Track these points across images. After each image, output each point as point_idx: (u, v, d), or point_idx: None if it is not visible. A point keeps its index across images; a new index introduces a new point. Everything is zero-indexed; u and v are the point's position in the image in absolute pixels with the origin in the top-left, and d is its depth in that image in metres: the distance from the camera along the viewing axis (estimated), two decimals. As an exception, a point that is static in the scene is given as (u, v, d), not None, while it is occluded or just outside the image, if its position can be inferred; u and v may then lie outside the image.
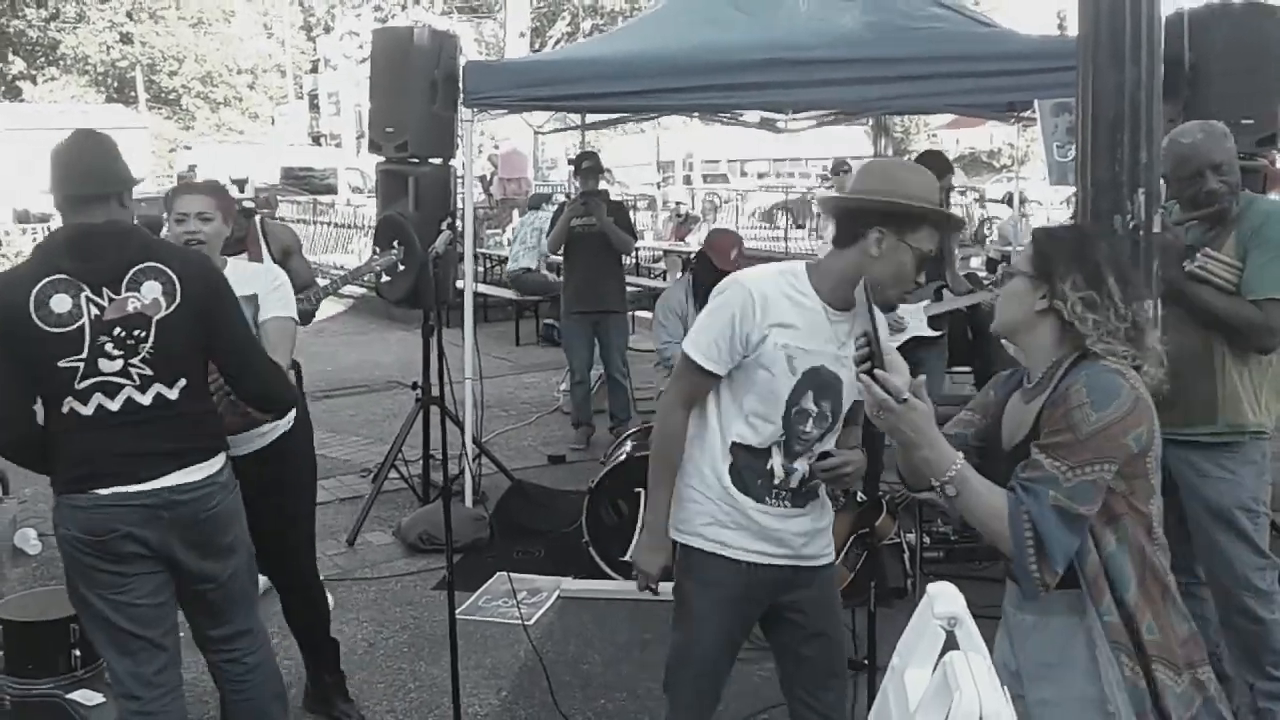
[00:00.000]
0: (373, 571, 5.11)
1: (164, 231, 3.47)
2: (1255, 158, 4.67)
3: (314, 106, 39.91)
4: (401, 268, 4.67)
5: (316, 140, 33.70)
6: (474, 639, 4.35)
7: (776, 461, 2.52)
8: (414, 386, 5.70)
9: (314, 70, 40.44)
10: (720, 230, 6.04)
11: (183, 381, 2.72)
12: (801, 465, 2.54)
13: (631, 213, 9.10)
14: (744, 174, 30.57)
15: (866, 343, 2.05)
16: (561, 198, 10.26)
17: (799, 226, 18.33)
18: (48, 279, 2.62)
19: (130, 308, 2.65)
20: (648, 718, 3.74)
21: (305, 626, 3.73)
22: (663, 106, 5.88)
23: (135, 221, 2.87)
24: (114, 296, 2.64)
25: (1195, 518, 3.29)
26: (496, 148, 17.05)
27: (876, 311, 2.22)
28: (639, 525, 4.83)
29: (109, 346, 2.63)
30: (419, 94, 5.25)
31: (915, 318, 5.48)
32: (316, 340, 10.64)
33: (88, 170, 2.75)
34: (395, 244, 4.73)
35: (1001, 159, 28.11)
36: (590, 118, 7.76)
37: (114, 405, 2.65)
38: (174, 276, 2.70)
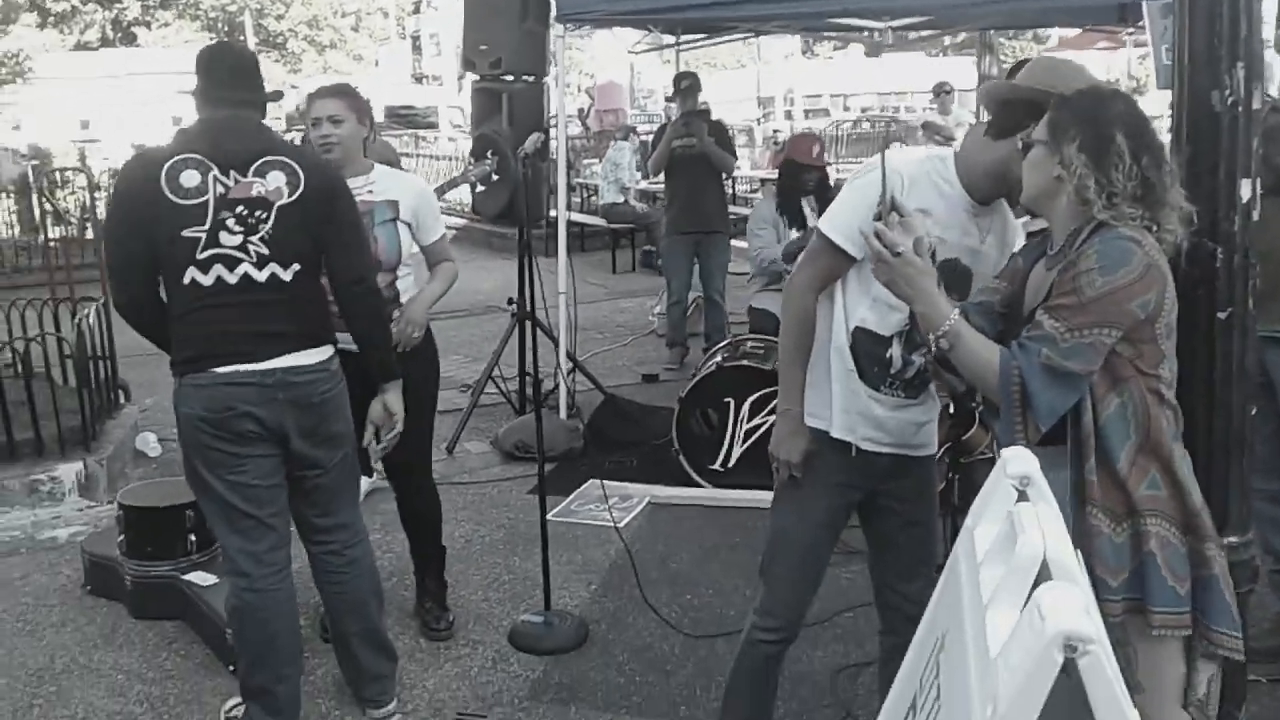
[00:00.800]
0: (470, 477, 5.28)
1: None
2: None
3: (416, 48, 40.23)
4: (495, 177, 4.76)
5: (419, 80, 34.03)
6: (565, 539, 4.49)
7: (895, 351, 2.50)
8: (510, 303, 5.81)
9: (416, 11, 40.73)
10: (800, 134, 5.99)
11: (296, 266, 2.85)
12: (919, 358, 2.50)
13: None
14: (847, 109, 29.95)
15: (882, 198, 2.09)
16: (644, 129, 10.23)
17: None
18: (180, 156, 2.79)
19: (254, 191, 2.80)
20: (733, 612, 3.82)
21: (418, 528, 3.86)
22: (755, 17, 5.76)
23: None
24: (240, 179, 2.80)
25: (1293, 420, 3.20)
26: (593, 79, 17.03)
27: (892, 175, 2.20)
28: (728, 434, 4.92)
29: (230, 222, 2.78)
30: (511, 12, 5.30)
31: (1018, 231, 5.35)
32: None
33: (231, 71, 2.90)
34: (489, 154, 4.81)
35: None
36: (685, 37, 7.71)
37: (232, 279, 2.79)
38: (298, 170, 2.85)
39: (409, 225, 3.51)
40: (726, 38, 8.02)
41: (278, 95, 3.11)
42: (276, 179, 2.83)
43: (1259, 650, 3.30)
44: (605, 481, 4.88)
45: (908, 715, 1.86)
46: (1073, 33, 13.88)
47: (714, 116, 7.15)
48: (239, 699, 3.13)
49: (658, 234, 8.73)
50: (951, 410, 4.27)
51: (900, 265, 2.06)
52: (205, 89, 2.89)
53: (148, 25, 31.69)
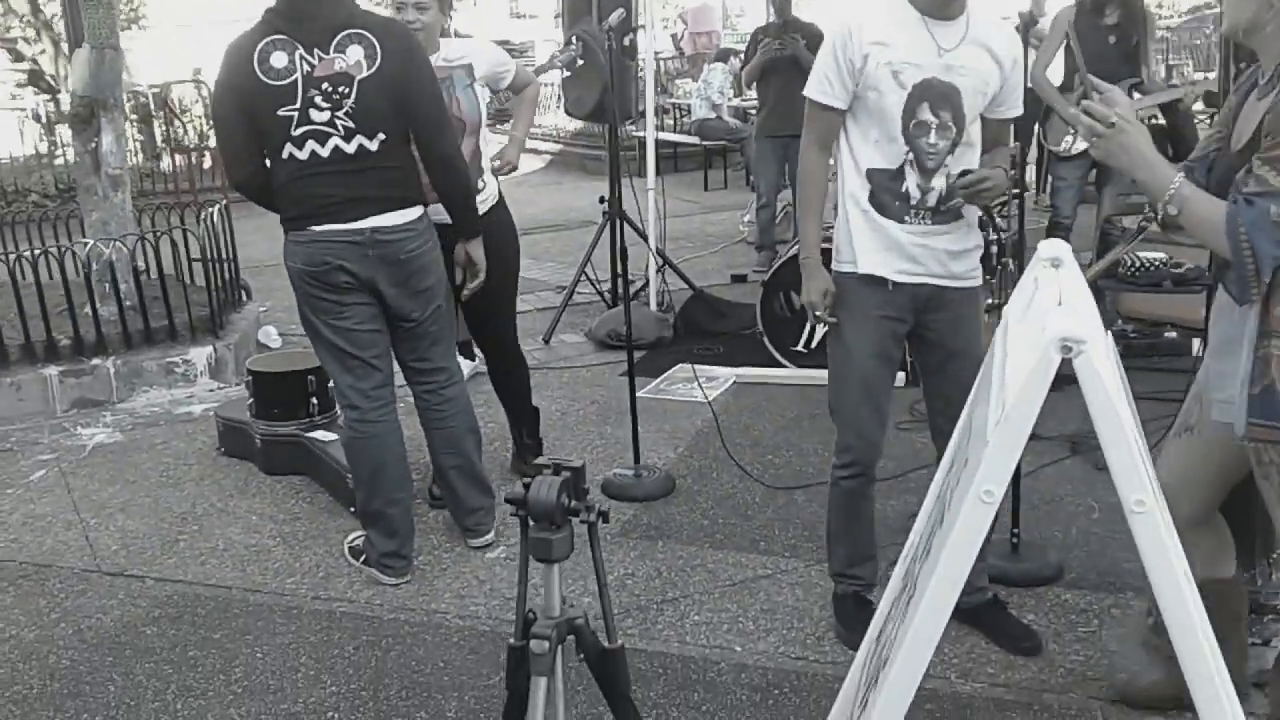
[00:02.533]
0: (566, 363, 5.57)
1: None
2: None
3: (513, -14, 40.33)
4: (581, 62, 4.92)
5: (517, 18, 34.18)
6: (655, 411, 4.75)
7: (911, 181, 2.65)
8: (601, 200, 6.03)
9: (513, -51, 40.76)
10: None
11: (381, 135, 3.06)
12: (939, 182, 2.66)
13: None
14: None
15: (1081, 81, 2.16)
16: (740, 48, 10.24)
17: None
18: (268, 39, 3.00)
19: (337, 66, 3.00)
20: (810, 470, 4.04)
21: (508, 389, 4.14)
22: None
23: None
24: (323, 56, 3.00)
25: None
26: (682, 6, 17.02)
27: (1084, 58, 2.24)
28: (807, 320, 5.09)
29: (318, 99, 3.00)
30: (602, -89, 5.45)
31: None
32: (517, 190, 11.14)
33: None
34: (574, 40, 4.98)
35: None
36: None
37: (324, 151, 3.03)
38: (376, 43, 3.03)
39: (485, 83, 3.79)
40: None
41: None
42: (355, 53, 3.01)
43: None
44: (693, 365, 5.14)
45: (946, 473, 2.07)
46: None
47: (811, 23, 7.20)
48: (360, 532, 3.48)
49: (750, 148, 8.83)
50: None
51: (1114, 135, 2.05)
52: None
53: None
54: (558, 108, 12.78)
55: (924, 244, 2.69)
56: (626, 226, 5.50)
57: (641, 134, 6.66)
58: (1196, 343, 4.91)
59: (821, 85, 2.67)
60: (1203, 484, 2.35)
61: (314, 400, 4.28)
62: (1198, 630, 1.47)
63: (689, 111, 11.63)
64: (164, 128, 11.72)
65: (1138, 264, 4.75)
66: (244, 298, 6.24)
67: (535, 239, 8.60)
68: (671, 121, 12.61)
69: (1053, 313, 1.53)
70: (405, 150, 3.16)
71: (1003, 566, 3.17)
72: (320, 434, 4.19)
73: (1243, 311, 2.09)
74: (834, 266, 2.80)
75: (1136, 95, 5.47)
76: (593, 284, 6.31)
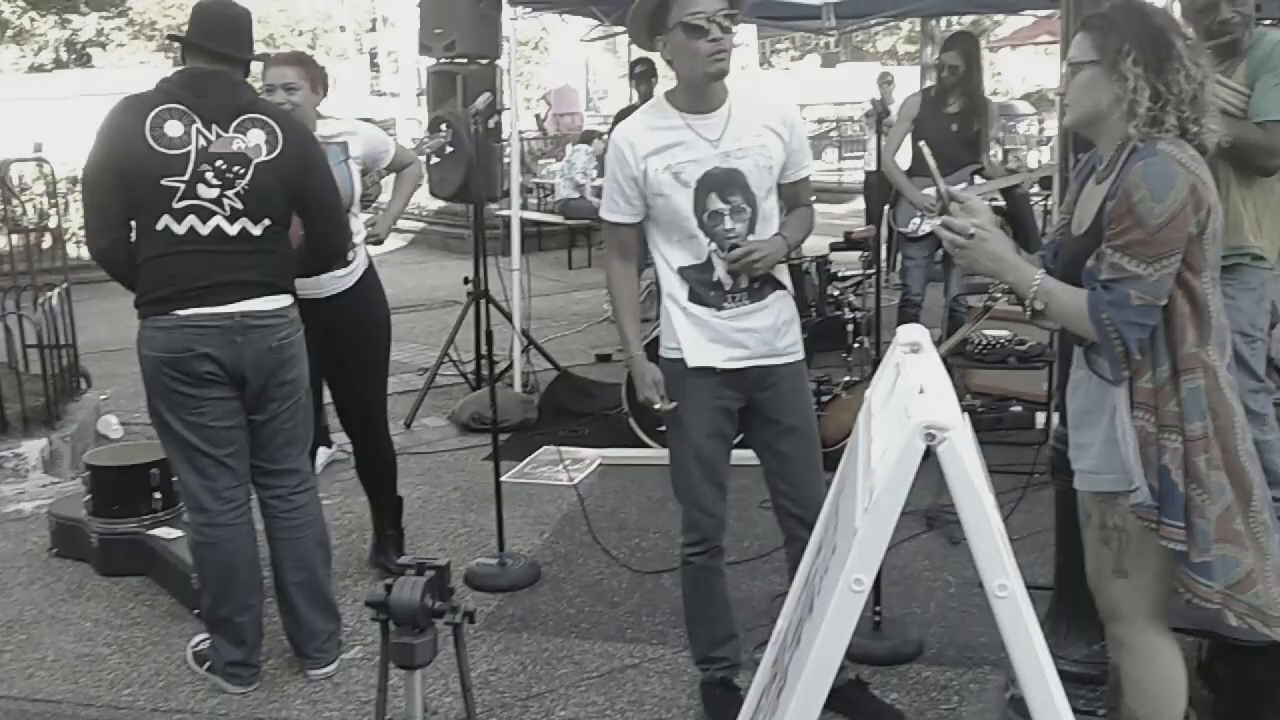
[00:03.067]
0: (428, 448, 5.44)
1: None
2: (1261, 21, 4.72)
3: (374, 65, 40.33)
4: (450, 149, 4.91)
5: (378, 95, 34.08)
6: (520, 497, 4.66)
7: (720, 269, 2.73)
8: (466, 281, 5.97)
9: (373, 29, 40.84)
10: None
11: (267, 222, 2.97)
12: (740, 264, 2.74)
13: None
14: (803, 118, 30.32)
15: (939, 195, 2.25)
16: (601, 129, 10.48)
17: (853, 157, 18.39)
18: (165, 106, 2.89)
19: (235, 146, 2.91)
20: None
21: (374, 477, 3.99)
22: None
23: None
24: (222, 133, 2.91)
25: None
26: (548, 89, 17.29)
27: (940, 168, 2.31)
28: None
29: (209, 175, 2.89)
30: (465, -4, 5.49)
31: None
32: (380, 269, 11.04)
33: (223, 25, 3.00)
34: (443, 127, 4.97)
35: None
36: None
37: (204, 229, 2.90)
38: (278, 131, 2.97)
39: (359, 161, 3.75)
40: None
41: (264, 57, 3.23)
42: (257, 136, 2.94)
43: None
44: (559, 448, 5.08)
45: (814, 557, 2.06)
46: (1024, 23, 14.29)
47: None
48: (205, 635, 3.26)
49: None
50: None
51: (977, 245, 2.15)
52: (195, 39, 2.98)
53: (103, 46, 31.55)
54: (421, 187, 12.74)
55: (744, 327, 2.76)
56: (492, 307, 5.45)
57: (506, 213, 6.65)
58: (1040, 416, 5.13)
59: (610, 205, 2.78)
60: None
61: (157, 495, 4.05)
62: (1060, 711, 1.48)
63: (553, 191, 11.73)
64: (1, 206, 11.11)
65: (984, 342, 4.95)
66: (83, 386, 5.91)
67: (397, 320, 8.33)
68: (535, 201, 12.69)
69: (916, 400, 1.55)
70: (286, 239, 3.08)
71: (865, 645, 3.18)
72: (163, 531, 3.95)
73: (1099, 385, 2.17)
74: (662, 354, 2.84)
75: (979, 180, 5.76)
76: (456, 366, 6.21)
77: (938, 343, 5.19)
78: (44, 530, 4.32)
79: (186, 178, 2.88)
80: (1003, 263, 2.16)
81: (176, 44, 3.10)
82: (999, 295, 4.76)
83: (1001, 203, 7.22)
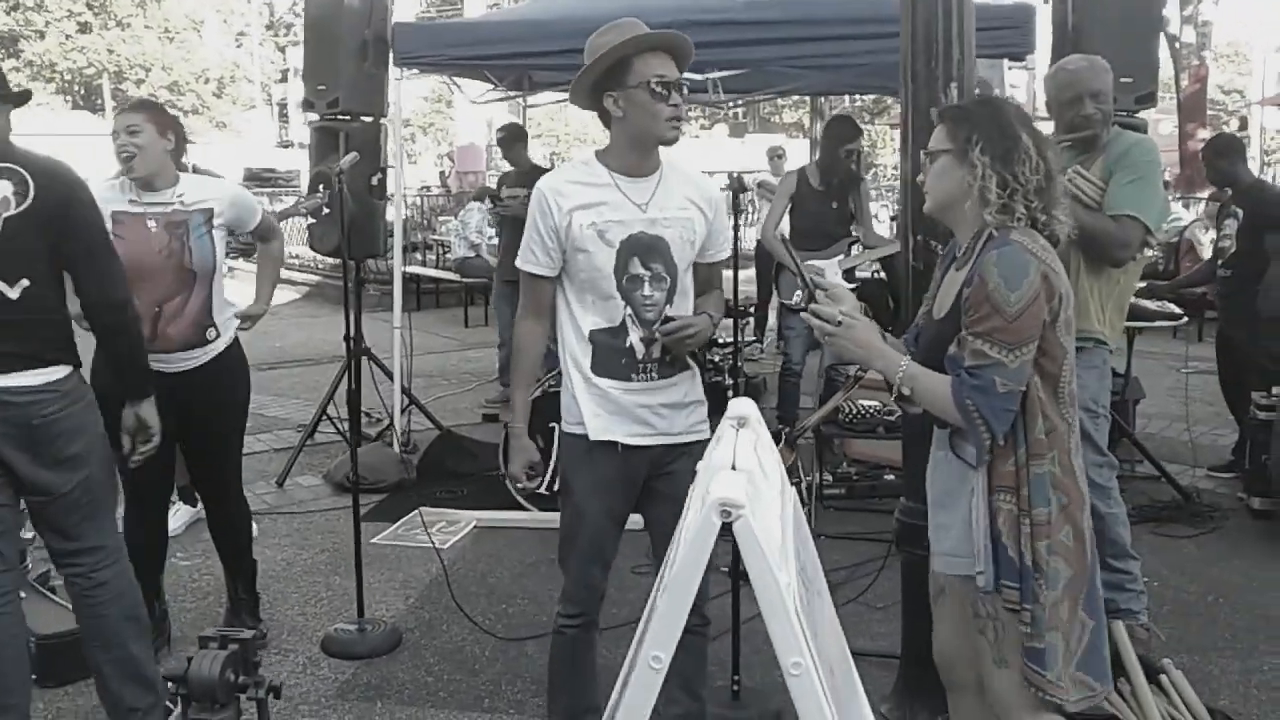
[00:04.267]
0: (299, 507, 5.31)
1: None
2: (1134, 114, 5.02)
3: (283, 115, 40.00)
4: (327, 210, 4.88)
5: (285, 146, 33.80)
6: (389, 559, 4.57)
7: (634, 336, 2.68)
8: (345, 338, 5.89)
9: (283, 80, 40.57)
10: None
11: (25, 282, 2.67)
12: (658, 334, 2.69)
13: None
14: (709, 184, 30.94)
15: (804, 285, 2.30)
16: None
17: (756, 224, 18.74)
18: None
19: None
20: (545, 618, 3.94)
21: (227, 542, 3.85)
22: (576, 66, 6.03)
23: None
24: None
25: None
26: (453, 145, 17.31)
27: (804, 259, 2.37)
28: (554, 458, 5.09)
29: None
30: (351, 53, 5.49)
31: (830, 271, 5.74)
32: (268, 322, 10.71)
33: None
34: (320, 188, 4.94)
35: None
36: (532, 96, 8.04)
37: None
38: (28, 179, 2.67)
39: (225, 228, 3.57)
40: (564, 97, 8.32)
41: (25, 97, 2.91)
42: (3, 188, 2.65)
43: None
44: (433, 509, 5.02)
45: (640, 638, 2.06)
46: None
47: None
48: None
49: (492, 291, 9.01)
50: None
51: (844, 331, 2.22)
52: None
53: None
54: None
55: (648, 403, 2.70)
56: (374, 365, 5.39)
57: (390, 260, 6.62)
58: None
59: (528, 256, 2.70)
60: (965, 647, 2.36)
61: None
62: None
63: (450, 248, 11.72)
64: None
65: (855, 411, 5.05)
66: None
67: (280, 374, 8.30)
68: (434, 257, 12.64)
69: (719, 477, 1.57)
70: (53, 300, 2.77)
71: (723, 714, 3.17)
72: None
73: (960, 468, 2.21)
74: (564, 428, 2.77)
75: (856, 250, 5.92)
76: (334, 423, 6.10)
77: (812, 410, 5.30)
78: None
79: None
80: (869, 349, 2.23)
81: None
82: (890, 394, 4.89)
83: (884, 275, 7.46)
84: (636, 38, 2.56)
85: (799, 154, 14.90)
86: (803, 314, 2.32)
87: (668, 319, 2.69)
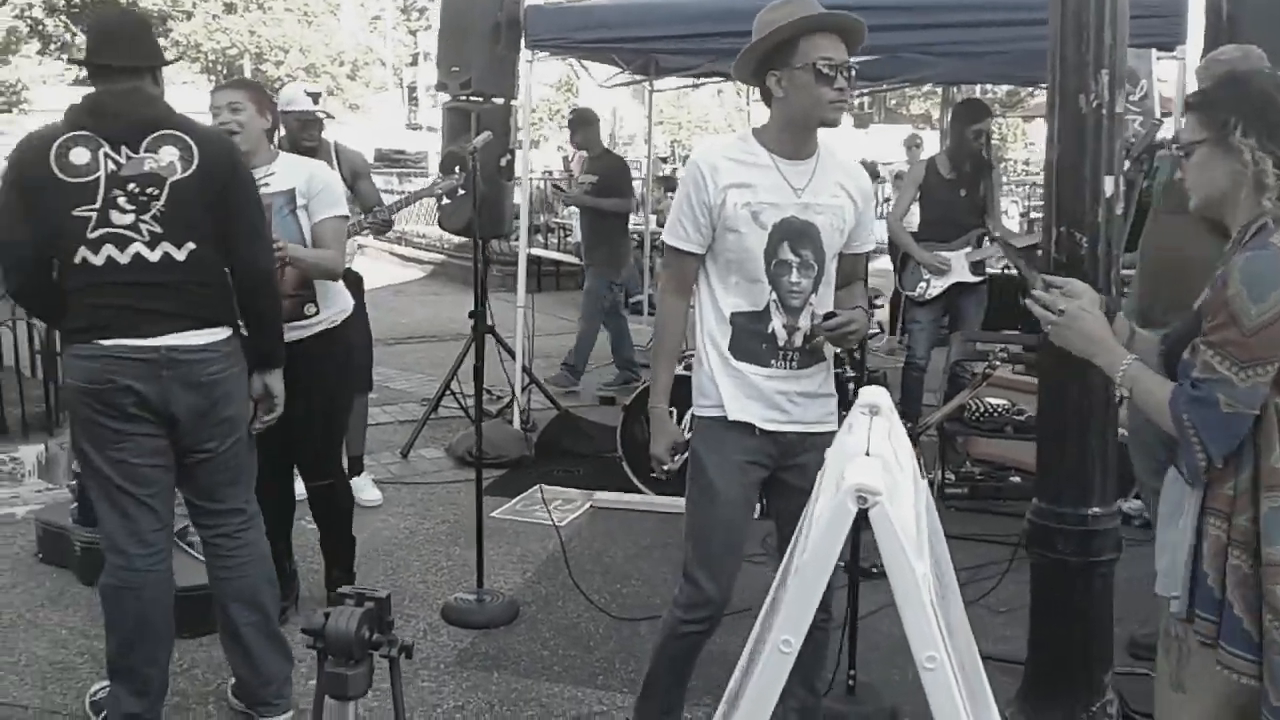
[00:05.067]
0: (421, 479, 5.45)
1: None
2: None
3: (412, 99, 40.91)
4: (462, 192, 4.97)
5: (414, 129, 34.59)
6: (507, 533, 4.66)
7: (777, 322, 2.63)
8: (470, 315, 5.99)
9: (413, 64, 41.47)
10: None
11: (190, 245, 2.77)
12: (804, 322, 2.65)
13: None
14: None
15: (1023, 274, 2.22)
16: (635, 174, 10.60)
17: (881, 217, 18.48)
18: (70, 134, 2.72)
19: (146, 166, 2.72)
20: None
21: (324, 516, 3.87)
22: (718, 51, 5.98)
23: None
24: (132, 155, 2.72)
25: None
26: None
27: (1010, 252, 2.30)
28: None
29: (121, 200, 2.70)
30: (483, 36, 5.58)
31: (958, 262, 5.61)
32: (395, 298, 11.14)
33: (113, 38, 2.80)
34: (457, 170, 5.04)
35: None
36: (659, 80, 8.05)
37: (123, 258, 2.72)
38: (192, 145, 2.77)
39: (306, 210, 3.52)
40: (696, 80, 8.31)
41: (153, 57, 2.93)
42: (169, 154, 2.74)
43: (1152, 646, 3.49)
44: (551, 486, 5.09)
45: (765, 618, 2.05)
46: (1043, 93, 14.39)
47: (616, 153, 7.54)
48: (105, 683, 3.05)
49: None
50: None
51: (1068, 323, 2.07)
52: (96, 61, 2.78)
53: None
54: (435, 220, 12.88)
55: (785, 390, 2.66)
56: (496, 343, 5.49)
57: (515, 241, 6.73)
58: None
59: (677, 230, 2.64)
60: None
61: (143, 508, 4.05)
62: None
63: (572, 231, 11.82)
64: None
65: (982, 409, 4.92)
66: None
67: (405, 349, 8.52)
68: (556, 240, 12.77)
69: (856, 462, 1.55)
70: (216, 264, 2.86)
71: (838, 709, 3.14)
72: (146, 544, 3.95)
73: (1182, 485, 2.04)
74: (696, 411, 2.73)
75: (987, 243, 5.76)
76: (457, 399, 6.24)
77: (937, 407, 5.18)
78: (32, 535, 4.35)
79: (98, 205, 2.69)
80: (1096, 343, 2.07)
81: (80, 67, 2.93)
82: (998, 363, 4.74)
83: (1014, 272, 7.24)
84: (805, 19, 2.49)
85: (930, 145, 14.60)
86: (1025, 302, 2.23)
87: (829, 314, 2.63)
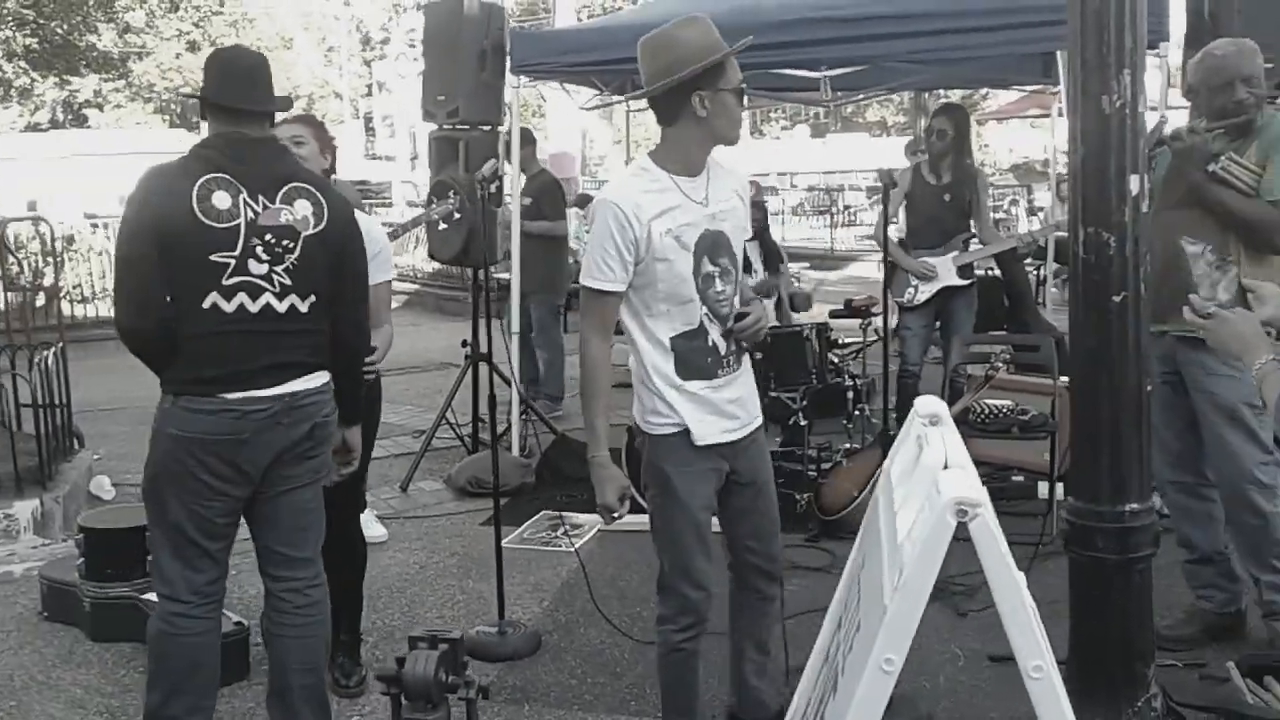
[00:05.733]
0: (424, 512, 5.39)
1: None
2: (1276, 100, 4.83)
3: (370, 129, 40.75)
4: (457, 216, 4.93)
5: (373, 159, 34.43)
6: (519, 563, 4.60)
7: (714, 333, 2.69)
8: (464, 344, 5.96)
9: (369, 94, 41.35)
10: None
11: (313, 298, 2.80)
12: (731, 323, 2.74)
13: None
14: (793, 186, 30.74)
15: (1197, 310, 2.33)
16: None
17: (846, 225, 18.68)
18: (210, 175, 2.69)
19: (283, 218, 2.74)
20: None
21: (338, 570, 3.56)
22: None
23: None
24: (269, 205, 2.73)
25: (1203, 415, 3.44)
26: (546, 155, 17.43)
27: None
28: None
29: (259, 250, 2.71)
30: (469, 63, 5.56)
31: (945, 267, 5.64)
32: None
33: (251, 79, 2.80)
34: (451, 194, 5.00)
35: (1059, 167, 28.18)
36: (634, 101, 8.03)
37: (254, 307, 2.72)
38: (323, 202, 2.81)
39: None
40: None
41: (288, 103, 3.00)
42: (304, 208, 2.78)
43: (1174, 638, 3.50)
44: (557, 512, 5.04)
45: (835, 632, 2.03)
46: (1011, 98, 14.57)
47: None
48: None
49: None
50: (892, 433, 4.49)
51: (1217, 326, 2.26)
52: (228, 102, 2.77)
53: (100, 107, 31.81)
54: (415, 248, 12.79)
55: (732, 396, 2.75)
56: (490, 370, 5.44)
57: (503, 276, 6.68)
58: (1043, 486, 5.11)
59: (603, 272, 2.60)
60: None
61: (150, 559, 3.97)
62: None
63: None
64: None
65: (985, 411, 4.94)
66: (76, 446, 5.86)
67: (390, 382, 8.31)
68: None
69: (944, 476, 1.53)
70: (326, 317, 2.88)
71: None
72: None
73: None
74: (650, 430, 2.71)
75: (974, 247, 5.81)
76: (453, 428, 6.18)
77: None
78: (35, 593, 4.25)
79: (237, 253, 2.70)
80: (1242, 341, 2.22)
81: (192, 102, 2.99)
82: (999, 365, 4.76)
83: (998, 272, 7.30)
84: (740, 42, 2.59)
85: (892, 152, 14.74)
86: (1184, 311, 2.33)
87: (740, 315, 2.73)
